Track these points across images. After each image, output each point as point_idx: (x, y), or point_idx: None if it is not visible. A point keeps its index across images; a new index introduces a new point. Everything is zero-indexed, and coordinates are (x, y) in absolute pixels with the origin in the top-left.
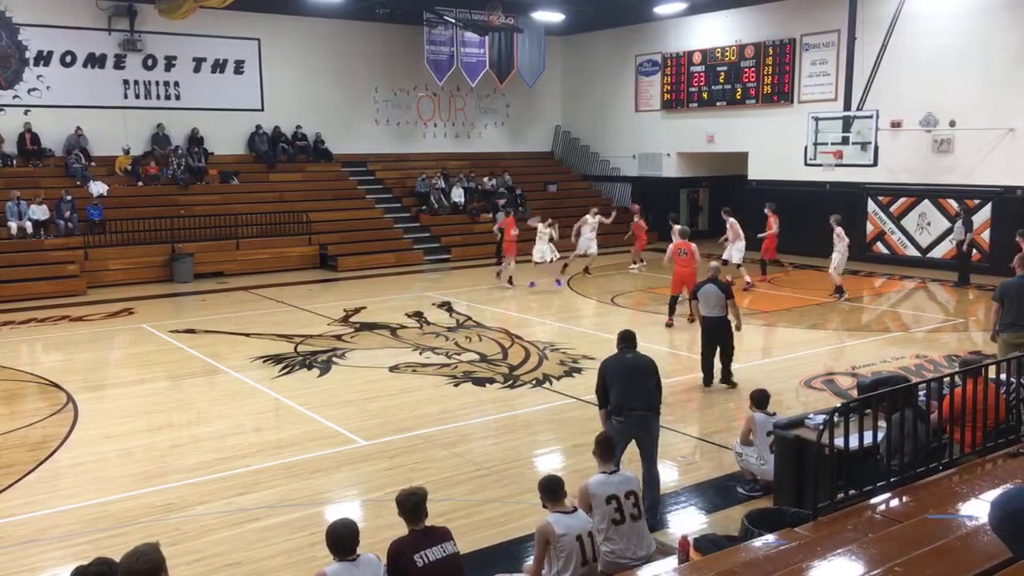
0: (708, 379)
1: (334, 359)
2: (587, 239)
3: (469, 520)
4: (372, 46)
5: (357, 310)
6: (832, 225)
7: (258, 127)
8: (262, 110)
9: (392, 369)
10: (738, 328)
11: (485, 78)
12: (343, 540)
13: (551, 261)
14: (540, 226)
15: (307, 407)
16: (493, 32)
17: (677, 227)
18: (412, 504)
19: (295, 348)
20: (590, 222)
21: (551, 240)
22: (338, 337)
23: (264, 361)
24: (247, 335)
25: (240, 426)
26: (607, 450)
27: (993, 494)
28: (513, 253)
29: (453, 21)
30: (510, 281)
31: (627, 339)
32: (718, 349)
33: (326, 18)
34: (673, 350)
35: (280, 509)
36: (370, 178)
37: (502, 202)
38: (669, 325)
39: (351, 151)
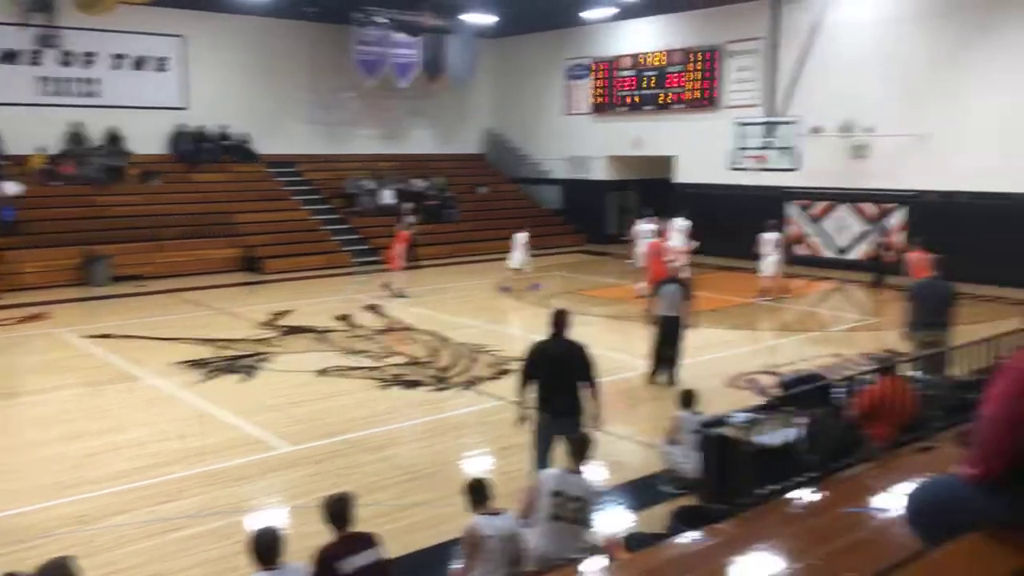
0: (655, 373)
1: (259, 363)
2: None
3: (396, 525)
4: (300, 45)
5: (283, 313)
6: (768, 229)
7: (182, 126)
8: (186, 108)
9: (319, 373)
10: (687, 326)
11: (415, 79)
12: (267, 548)
13: (522, 269)
14: (520, 235)
15: (231, 413)
16: (423, 33)
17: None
18: (338, 510)
19: (218, 352)
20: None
21: (526, 249)
22: (264, 341)
23: (186, 366)
24: (168, 339)
25: (160, 433)
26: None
27: (906, 487)
28: (397, 266)
29: (382, 21)
30: (397, 292)
31: (560, 322)
32: (668, 348)
33: (253, 16)
34: (602, 351)
35: (202, 518)
36: (298, 179)
37: (411, 206)
38: None
39: (278, 151)
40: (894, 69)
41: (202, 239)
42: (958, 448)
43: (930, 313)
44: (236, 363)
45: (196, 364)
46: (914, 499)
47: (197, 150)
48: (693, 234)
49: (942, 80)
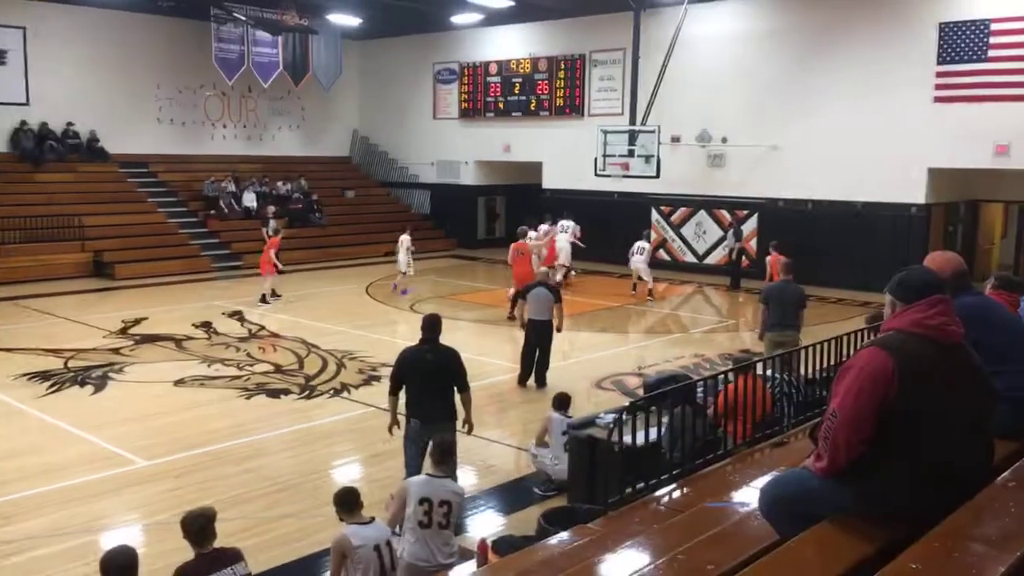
0: (525, 377)
1: (111, 374)
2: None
3: (262, 538)
4: (155, 40)
5: (137, 321)
6: (642, 236)
7: (23, 123)
8: (27, 104)
9: (178, 383)
10: (559, 329)
11: (279, 79)
12: (121, 569)
13: (405, 273)
14: (404, 237)
15: (81, 427)
16: (286, 32)
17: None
18: (198, 526)
19: (65, 363)
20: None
21: (410, 251)
22: (116, 351)
23: (29, 378)
24: (11, 351)
25: (5, 450)
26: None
27: (762, 481)
28: (267, 272)
29: (243, 19)
30: (264, 299)
31: (431, 328)
32: (537, 351)
33: (103, 8)
34: (472, 356)
35: (49, 539)
36: (152, 180)
37: (273, 209)
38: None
39: (130, 151)
40: (747, 83)
41: (47, 243)
42: (809, 443)
43: (782, 315)
44: (87, 374)
45: (43, 376)
46: (767, 492)
47: (40, 149)
48: (581, 237)
49: (789, 95)
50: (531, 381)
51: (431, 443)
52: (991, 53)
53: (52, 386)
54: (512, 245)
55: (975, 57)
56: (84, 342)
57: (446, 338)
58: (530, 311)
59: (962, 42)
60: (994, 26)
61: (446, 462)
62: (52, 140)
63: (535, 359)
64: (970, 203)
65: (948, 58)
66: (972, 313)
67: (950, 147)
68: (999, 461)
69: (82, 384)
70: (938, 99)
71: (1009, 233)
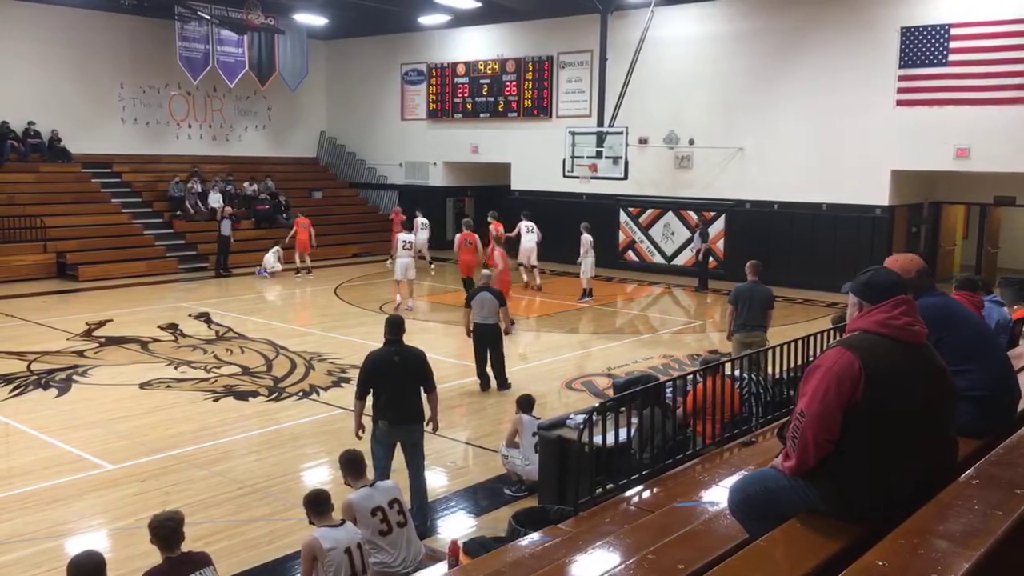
0: (485, 384)
1: (75, 377)
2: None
3: (231, 542)
4: (118, 39)
5: (102, 323)
6: (582, 231)
7: None
8: None
9: (143, 386)
10: (507, 332)
11: (244, 79)
12: (88, 574)
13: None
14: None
15: (43, 431)
16: (252, 32)
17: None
18: (167, 530)
19: (28, 366)
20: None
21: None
22: (80, 353)
23: None
24: None
25: None
26: (355, 468)
27: (731, 480)
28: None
29: (208, 18)
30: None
31: (394, 329)
32: (489, 354)
33: (64, 6)
34: (441, 357)
35: (10, 545)
36: (116, 180)
37: (229, 210)
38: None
39: (93, 151)
40: (713, 86)
41: (9, 244)
42: (777, 442)
43: (750, 315)
44: (50, 377)
45: (5, 379)
46: (737, 491)
47: (1, 148)
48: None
49: (755, 98)
50: (492, 384)
51: (340, 459)
52: (951, 57)
53: (15, 389)
54: (460, 235)
55: (936, 61)
56: (48, 344)
57: (416, 339)
58: (476, 315)
59: (923, 46)
60: (954, 31)
61: (353, 473)
62: (13, 139)
63: (487, 363)
64: (932, 204)
65: (910, 62)
66: (935, 313)
67: (912, 150)
68: (962, 459)
69: (46, 387)
70: (900, 102)
71: (970, 234)
